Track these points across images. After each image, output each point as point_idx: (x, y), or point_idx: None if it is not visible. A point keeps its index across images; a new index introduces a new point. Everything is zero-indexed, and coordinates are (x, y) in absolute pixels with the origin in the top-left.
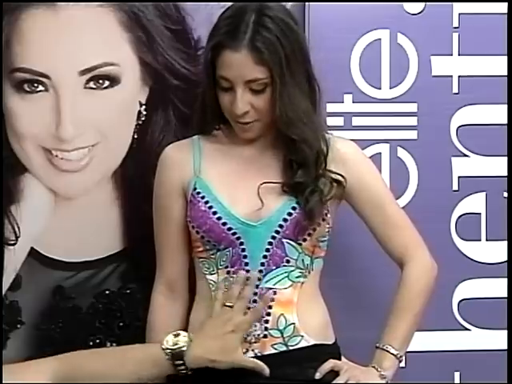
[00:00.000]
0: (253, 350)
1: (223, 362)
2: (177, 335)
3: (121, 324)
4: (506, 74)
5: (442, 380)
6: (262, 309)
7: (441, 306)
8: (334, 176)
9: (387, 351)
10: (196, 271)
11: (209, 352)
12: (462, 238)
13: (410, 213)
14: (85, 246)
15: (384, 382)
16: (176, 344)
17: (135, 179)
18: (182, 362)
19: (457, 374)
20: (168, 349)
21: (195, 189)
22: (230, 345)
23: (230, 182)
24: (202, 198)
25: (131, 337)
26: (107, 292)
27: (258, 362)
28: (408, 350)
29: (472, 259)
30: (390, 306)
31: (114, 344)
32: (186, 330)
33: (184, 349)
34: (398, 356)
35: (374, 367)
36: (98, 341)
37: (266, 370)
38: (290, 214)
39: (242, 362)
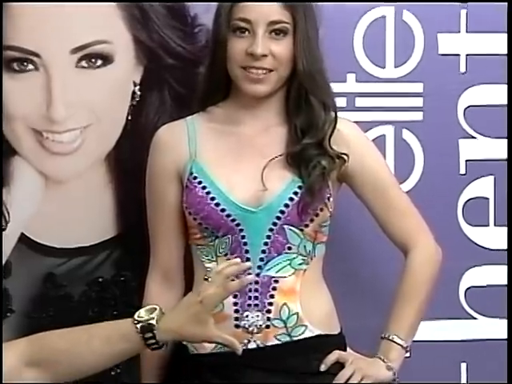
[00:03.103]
0: (255, 341)
1: (192, 335)
2: (152, 310)
3: (114, 313)
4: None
5: (447, 371)
6: (238, 286)
7: (447, 294)
8: (336, 153)
9: (393, 342)
10: (193, 259)
11: (178, 324)
12: (470, 224)
13: (415, 198)
14: (77, 231)
15: (391, 373)
16: (147, 317)
17: (129, 162)
18: (151, 335)
19: (463, 365)
20: (138, 322)
21: (191, 173)
22: (198, 316)
23: (228, 164)
24: (199, 183)
25: None
26: (100, 279)
27: (230, 338)
28: (413, 339)
29: (479, 245)
30: (394, 294)
31: None
32: None
33: (153, 322)
34: (405, 346)
35: (380, 358)
36: None
37: (239, 349)
38: (291, 199)
39: (212, 338)
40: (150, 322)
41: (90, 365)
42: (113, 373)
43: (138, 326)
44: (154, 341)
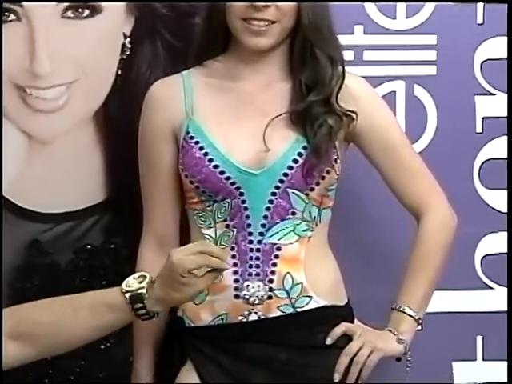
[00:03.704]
0: (256, 313)
1: (177, 301)
2: (142, 278)
3: (104, 283)
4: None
5: (462, 345)
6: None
7: (462, 262)
8: (344, 110)
9: (404, 313)
10: (190, 224)
11: (170, 297)
12: (486, 187)
13: (428, 159)
14: (63, 195)
15: (402, 347)
16: (137, 286)
17: (120, 120)
18: (141, 305)
19: (479, 338)
20: (127, 291)
21: (188, 132)
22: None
23: (227, 122)
24: (196, 143)
25: None
26: (89, 247)
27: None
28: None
29: (497, 210)
30: (406, 262)
31: None
32: None
33: (143, 291)
34: (417, 318)
35: (390, 331)
36: None
37: (226, 266)
38: (295, 161)
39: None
40: (140, 291)
41: (76, 337)
42: (102, 346)
43: (127, 295)
44: (144, 311)
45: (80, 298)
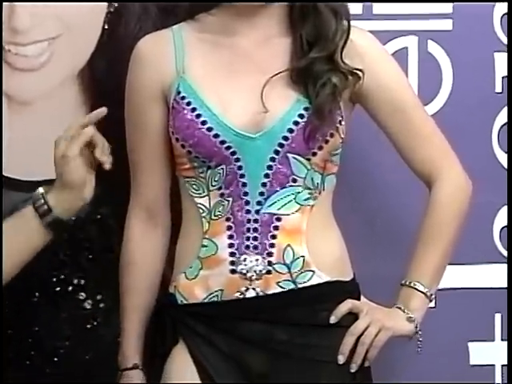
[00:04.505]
0: (254, 289)
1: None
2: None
3: (90, 256)
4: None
5: (479, 324)
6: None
7: (478, 233)
8: (349, 68)
9: (415, 289)
10: (181, 193)
11: (63, 183)
12: (506, 152)
13: (442, 121)
14: (45, 161)
15: (412, 325)
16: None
17: (106, 79)
18: (43, 201)
19: (497, 316)
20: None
21: (179, 92)
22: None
23: (222, 81)
24: (188, 104)
25: (102, 271)
26: (73, 218)
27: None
28: (438, 287)
29: None
30: (417, 233)
31: (82, 280)
32: (172, 262)
33: (41, 190)
34: (428, 294)
35: (399, 308)
36: (62, 276)
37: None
38: (296, 123)
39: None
40: (41, 191)
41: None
42: (88, 326)
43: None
44: (47, 211)
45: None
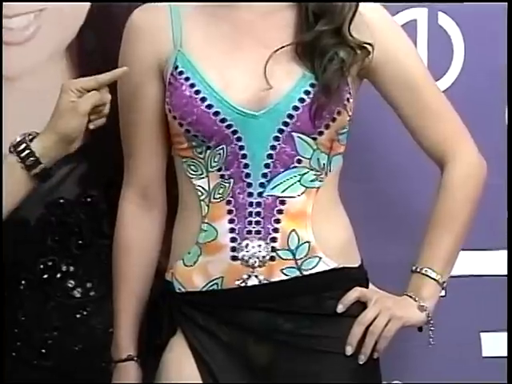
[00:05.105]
0: (256, 277)
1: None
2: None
3: (80, 242)
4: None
5: (493, 313)
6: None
7: (492, 217)
8: (358, 42)
9: (426, 276)
10: (178, 174)
11: (55, 128)
12: None
13: (454, 97)
14: None
15: (424, 314)
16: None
17: (96, 54)
18: (25, 145)
19: None
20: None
21: (176, 67)
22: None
23: (222, 55)
24: (186, 79)
25: (93, 258)
26: (61, 201)
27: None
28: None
29: None
30: (428, 217)
31: (72, 267)
32: (167, 251)
33: (25, 137)
34: (441, 282)
35: (410, 296)
36: (50, 263)
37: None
38: (302, 101)
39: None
40: (23, 140)
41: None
42: (78, 315)
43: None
44: (33, 158)
45: None
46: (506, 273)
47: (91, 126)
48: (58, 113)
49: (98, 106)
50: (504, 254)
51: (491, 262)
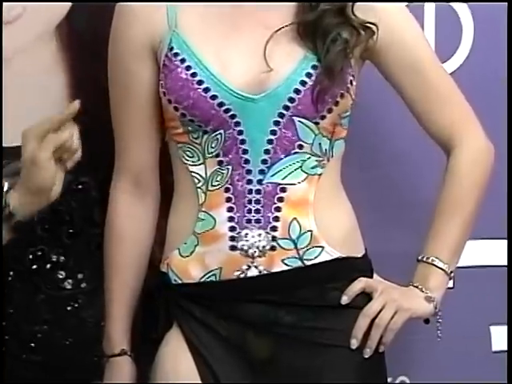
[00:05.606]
0: (256, 267)
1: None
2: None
3: (70, 231)
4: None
5: (502, 305)
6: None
7: (501, 205)
8: (361, 22)
9: (433, 265)
10: (173, 160)
11: (27, 184)
12: None
13: (461, 81)
14: (19, 124)
15: (431, 306)
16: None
17: (87, 34)
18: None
19: None
20: None
21: (171, 48)
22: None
23: (219, 36)
24: (182, 61)
25: (84, 247)
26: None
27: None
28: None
29: None
30: (434, 205)
31: (62, 257)
32: (163, 238)
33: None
34: (448, 271)
35: (416, 287)
36: (39, 253)
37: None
38: (303, 83)
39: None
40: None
41: None
42: (69, 308)
43: None
44: (7, 211)
45: None
46: None
47: (68, 166)
48: (24, 165)
49: (65, 145)
50: None
51: (500, 252)
